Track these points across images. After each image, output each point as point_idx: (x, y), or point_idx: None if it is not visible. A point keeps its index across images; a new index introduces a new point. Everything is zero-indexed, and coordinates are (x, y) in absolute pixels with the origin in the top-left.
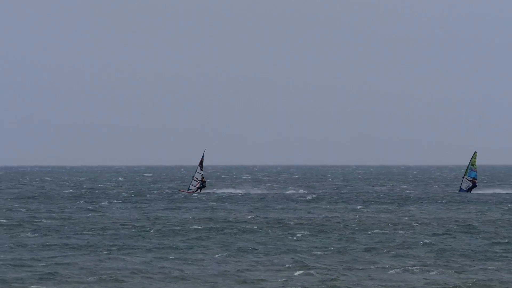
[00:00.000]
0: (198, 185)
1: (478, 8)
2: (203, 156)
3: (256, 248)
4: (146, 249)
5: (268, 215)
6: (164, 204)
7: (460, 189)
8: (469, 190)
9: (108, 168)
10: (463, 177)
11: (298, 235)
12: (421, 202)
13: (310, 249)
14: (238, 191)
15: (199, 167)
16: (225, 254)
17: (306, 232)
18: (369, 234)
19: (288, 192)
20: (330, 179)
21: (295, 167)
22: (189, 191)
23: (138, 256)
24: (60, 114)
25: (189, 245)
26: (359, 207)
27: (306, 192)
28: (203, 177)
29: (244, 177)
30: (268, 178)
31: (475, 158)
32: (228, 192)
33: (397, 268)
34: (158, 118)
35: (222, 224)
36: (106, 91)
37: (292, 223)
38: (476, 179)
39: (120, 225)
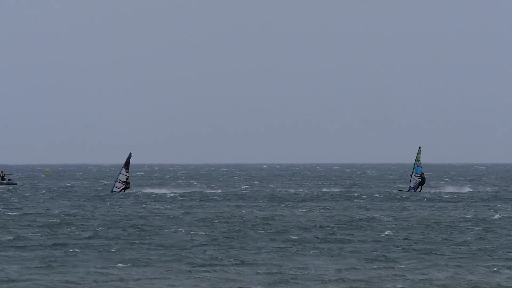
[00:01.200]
0: (122, 187)
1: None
2: (128, 158)
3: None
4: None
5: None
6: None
7: (410, 188)
8: (419, 187)
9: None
10: (411, 175)
11: (382, 234)
12: None
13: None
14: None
15: (123, 169)
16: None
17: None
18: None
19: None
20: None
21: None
22: (112, 193)
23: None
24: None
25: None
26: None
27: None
28: (127, 178)
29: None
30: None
31: (420, 154)
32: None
33: None
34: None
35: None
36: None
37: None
38: (424, 175)
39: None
